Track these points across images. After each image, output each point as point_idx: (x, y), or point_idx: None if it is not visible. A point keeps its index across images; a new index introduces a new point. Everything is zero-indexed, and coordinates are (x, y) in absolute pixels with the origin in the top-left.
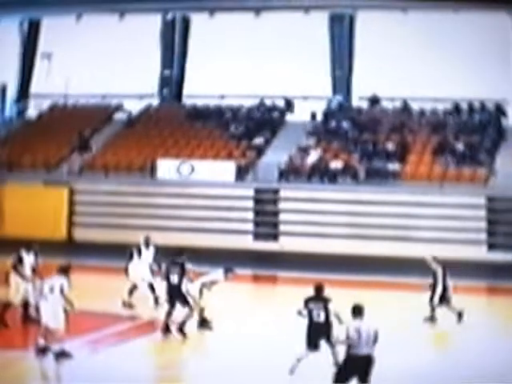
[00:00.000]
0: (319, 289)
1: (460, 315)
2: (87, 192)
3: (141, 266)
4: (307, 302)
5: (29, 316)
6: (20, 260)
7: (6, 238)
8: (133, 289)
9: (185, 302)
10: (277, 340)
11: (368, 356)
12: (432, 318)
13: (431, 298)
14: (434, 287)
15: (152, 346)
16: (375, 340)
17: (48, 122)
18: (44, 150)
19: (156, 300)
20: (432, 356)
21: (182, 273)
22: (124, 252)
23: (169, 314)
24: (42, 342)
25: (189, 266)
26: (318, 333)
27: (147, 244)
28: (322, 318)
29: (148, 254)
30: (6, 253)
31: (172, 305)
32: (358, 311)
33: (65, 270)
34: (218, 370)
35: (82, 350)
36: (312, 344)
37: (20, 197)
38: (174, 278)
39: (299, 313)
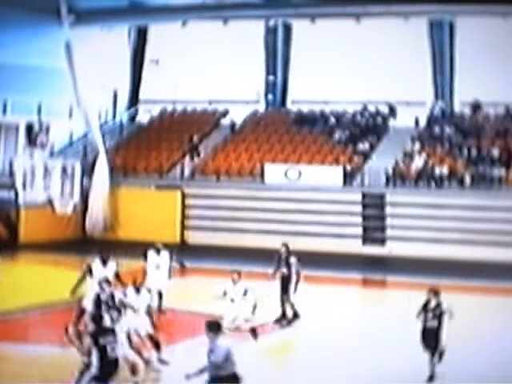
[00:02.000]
0: None
1: None
2: (199, 196)
3: (155, 272)
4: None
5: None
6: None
7: (121, 240)
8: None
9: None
10: (385, 344)
11: (233, 374)
12: None
13: None
14: None
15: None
16: (228, 357)
17: (159, 128)
18: (156, 154)
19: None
20: None
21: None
22: (235, 255)
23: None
24: None
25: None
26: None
27: (158, 251)
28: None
29: (161, 260)
30: (122, 255)
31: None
32: (215, 327)
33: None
34: (323, 373)
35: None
36: None
37: (134, 201)
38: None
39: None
